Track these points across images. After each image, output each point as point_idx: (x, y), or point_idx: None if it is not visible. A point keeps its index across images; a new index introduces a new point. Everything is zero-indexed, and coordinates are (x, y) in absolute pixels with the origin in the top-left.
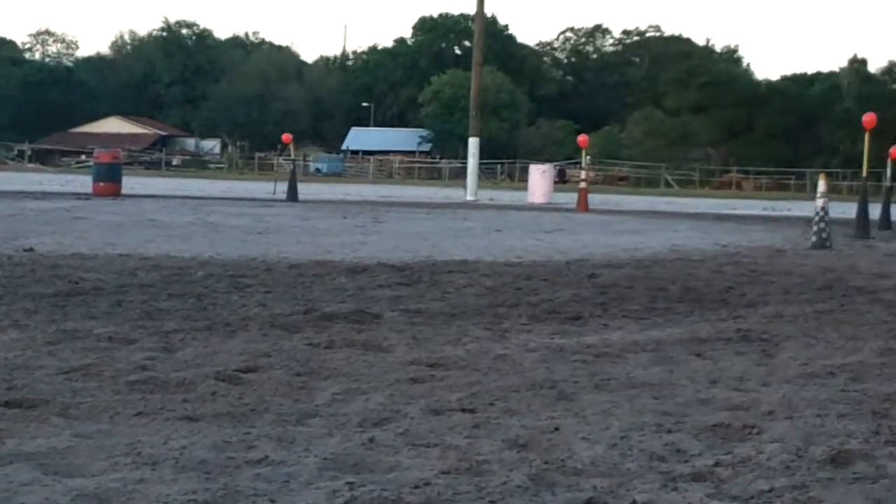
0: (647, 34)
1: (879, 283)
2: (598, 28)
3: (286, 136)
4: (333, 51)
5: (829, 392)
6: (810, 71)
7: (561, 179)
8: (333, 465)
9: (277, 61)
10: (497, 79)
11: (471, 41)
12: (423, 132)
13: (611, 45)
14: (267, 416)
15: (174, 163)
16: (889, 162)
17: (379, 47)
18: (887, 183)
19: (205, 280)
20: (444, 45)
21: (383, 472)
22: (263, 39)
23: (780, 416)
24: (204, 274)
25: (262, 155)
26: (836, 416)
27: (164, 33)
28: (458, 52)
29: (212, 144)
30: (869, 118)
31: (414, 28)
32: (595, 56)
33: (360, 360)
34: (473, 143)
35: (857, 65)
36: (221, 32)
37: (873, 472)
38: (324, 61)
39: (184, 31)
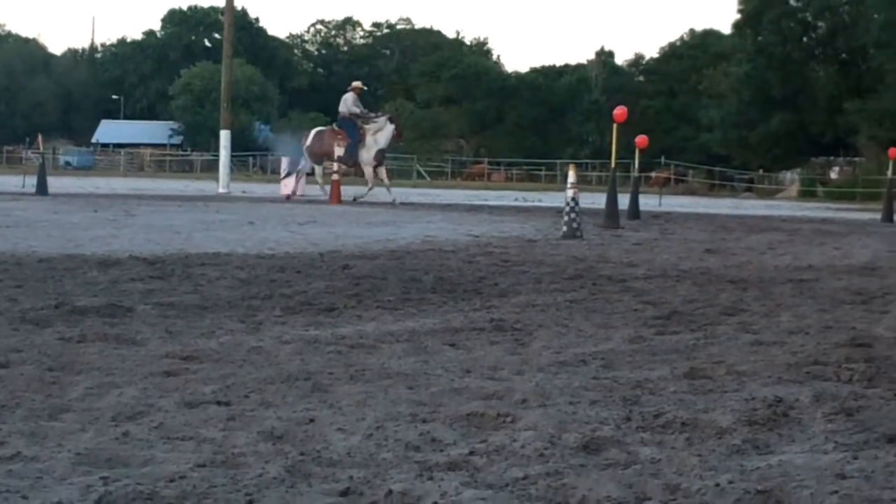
0: (398, 27)
1: (629, 272)
2: (348, 20)
3: None
4: (82, 43)
5: (581, 380)
6: (559, 63)
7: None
8: (87, 460)
9: (24, 53)
10: (248, 71)
11: (221, 34)
12: (174, 125)
13: (361, 37)
14: (18, 412)
15: None
16: (637, 152)
17: (128, 40)
18: (636, 173)
19: None
20: (193, 37)
21: (138, 466)
22: (10, 31)
23: (533, 404)
24: None
25: (11, 148)
26: (589, 403)
27: None
28: (208, 44)
29: None
30: (620, 112)
31: (163, 20)
32: (346, 48)
33: (112, 353)
34: (225, 135)
35: (605, 57)
36: None
37: (625, 457)
38: (72, 53)
39: None
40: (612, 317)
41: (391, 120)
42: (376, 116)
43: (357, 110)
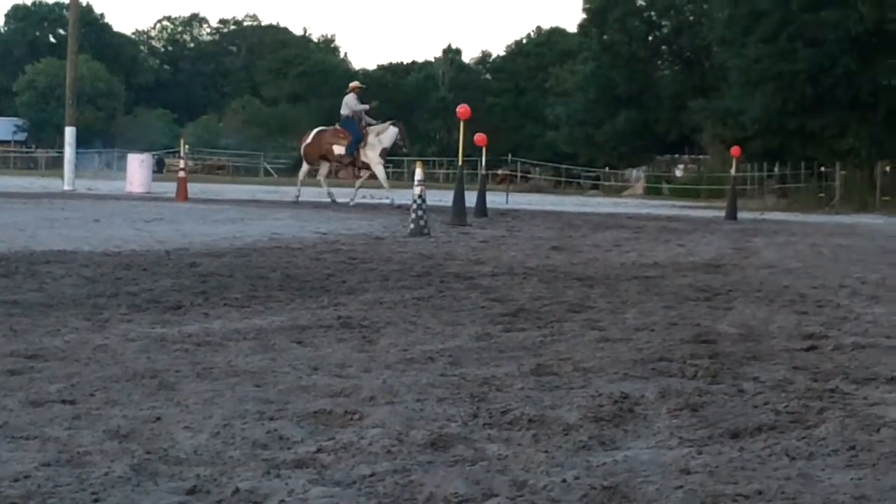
0: (245, 23)
1: (476, 269)
2: (194, 17)
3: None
4: None
5: (428, 377)
6: (406, 60)
7: (159, 169)
8: None
9: None
10: (93, 67)
11: (65, 29)
12: (18, 121)
13: (208, 34)
14: None
15: None
16: (483, 150)
17: None
18: (483, 171)
19: None
20: (38, 33)
21: None
22: None
23: (380, 401)
24: None
25: None
26: (436, 400)
27: None
28: (52, 40)
29: None
30: (462, 110)
31: (7, 16)
32: (192, 45)
33: None
34: (70, 132)
35: (452, 55)
36: None
37: (472, 454)
38: None
39: None
40: (460, 314)
41: (394, 124)
42: (379, 123)
43: (361, 108)
